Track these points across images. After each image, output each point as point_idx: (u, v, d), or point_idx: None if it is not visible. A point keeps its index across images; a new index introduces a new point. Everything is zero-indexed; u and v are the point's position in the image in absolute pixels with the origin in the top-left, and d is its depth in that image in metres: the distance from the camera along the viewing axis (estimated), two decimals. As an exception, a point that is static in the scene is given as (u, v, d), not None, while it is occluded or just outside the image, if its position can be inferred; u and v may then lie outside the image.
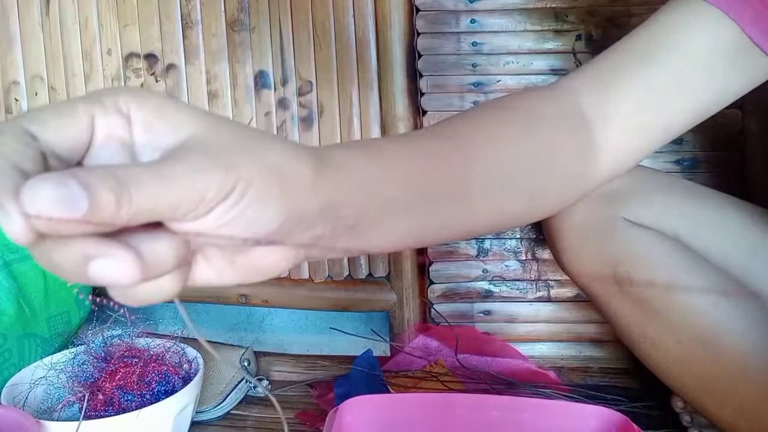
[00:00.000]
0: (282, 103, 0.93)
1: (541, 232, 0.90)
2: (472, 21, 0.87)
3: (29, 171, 0.25)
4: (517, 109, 0.51)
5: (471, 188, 0.46)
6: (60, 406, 0.65)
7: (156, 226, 0.28)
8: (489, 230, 0.65)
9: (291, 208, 0.31)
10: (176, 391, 0.65)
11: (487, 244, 0.91)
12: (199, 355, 0.72)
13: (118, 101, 0.28)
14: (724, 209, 0.69)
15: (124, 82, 0.95)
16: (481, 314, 0.93)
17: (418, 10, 0.88)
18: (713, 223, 0.67)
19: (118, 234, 0.27)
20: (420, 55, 0.89)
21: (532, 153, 0.50)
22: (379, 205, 0.38)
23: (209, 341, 0.87)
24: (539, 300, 0.92)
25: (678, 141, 0.86)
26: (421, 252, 0.93)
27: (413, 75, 0.89)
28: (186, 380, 0.69)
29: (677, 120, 0.55)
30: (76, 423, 0.59)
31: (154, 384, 0.66)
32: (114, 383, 0.64)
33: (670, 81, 0.53)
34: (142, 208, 0.25)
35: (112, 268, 0.26)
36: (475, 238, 0.91)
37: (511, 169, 0.49)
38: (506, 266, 0.92)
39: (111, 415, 0.61)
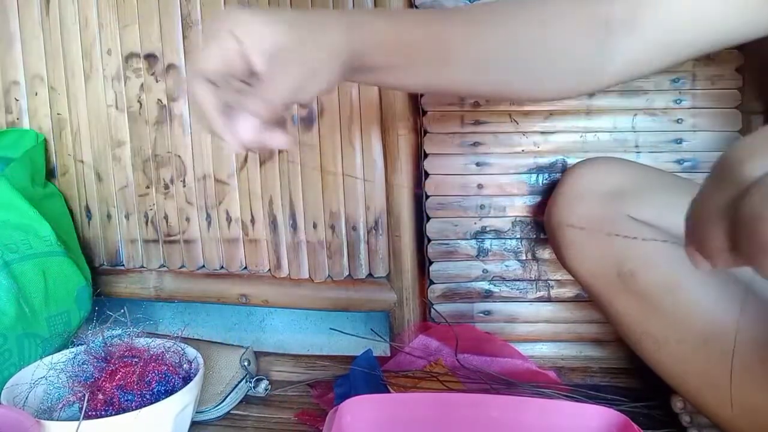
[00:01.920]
0: (282, 103, 0.92)
1: (541, 232, 0.90)
2: (472, 21, 0.87)
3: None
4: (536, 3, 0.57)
5: (480, 58, 0.55)
6: (60, 405, 0.65)
7: None
8: (495, 96, 0.69)
9: (338, 72, 0.50)
10: (176, 391, 0.65)
11: (487, 244, 0.91)
12: (199, 355, 0.72)
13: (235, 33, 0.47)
14: None
15: (124, 83, 0.95)
16: (481, 314, 0.93)
17: (418, 10, 0.88)
18: None
19: None
20: (420, 55, 0.89)
21: (544, 41, 0.55)
22: (397, 55, 0.52)
23: (209, 341, 0.87)
24: (539, 300, 0.92)
25: (678, 141, 0.86)
26: (420, 251, 0.93)
27: (413, 75, 0.89)
28: (186, 380, 0.69)
29: (697, 42, 0.57)
30: (76, 423, 0.58)
31: (154, 384, 0.66)
32: (114, 383, 0.64)
33: (695, 7, 0.55)
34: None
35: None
36: (474, 238, 0.91)
37: (520, 52, 0.55)
38: (506, 266, 0.92)
39: (111, 415, 0.61)
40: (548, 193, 0.89)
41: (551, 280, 0.91)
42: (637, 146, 0.87)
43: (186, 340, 0.74)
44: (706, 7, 0.54)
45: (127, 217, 0.98)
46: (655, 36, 0.56)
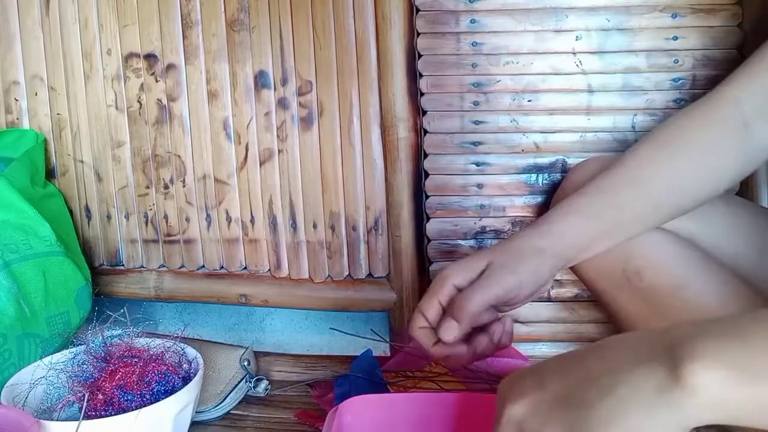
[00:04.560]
0: (282, 103, 0.93)
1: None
2: (472, 21, 0.87)
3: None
4: (684, 141, 0.64)
5: (648, 213, 0.64)
6: (60, 406, 0.65)
7: None
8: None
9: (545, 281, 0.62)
10: (176, 391, 0.65)
11: (487, 244, 0.91)
12: (199, 355, 0.72)
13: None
14: (734, 210, 0.69)
15: (124, 83, 0.95)
16: (481, 314, 0.92)
17: (418, 10, 0.88)
18: (724, 222, 0.68)
19: None
20: (420, 55, 0.89)
21: (699, 180, 0.63)
22: (584, 247, 0.64)
23: (209, 341, 0.87)
24: (539, 300, 0.92)
25: (678, 141, 0.86)
26: (420, 251, 0.93)
27: (413, 75, 0.89)
28: (186, 380, 0.69)
29: None
30: (75, 423, 0.58)
31: (154, 384, 0.66)
32: (114, 383, 0.64)
33: None
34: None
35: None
36: (474, 238, 0.91)
37: (681, 195, 0.64)
38: (506, 266, 0.91)
39: (111, 415, 0.61)
40: (548, 193, 0.89)
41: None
42: (637, 146, 0.87)
43: (186, 340, 0.74)
44: None
45: (126, 217, 0.99)
46: None
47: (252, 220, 0.96)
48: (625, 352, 0.37)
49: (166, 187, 0.97)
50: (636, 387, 0.35)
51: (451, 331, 0.58)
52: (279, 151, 0.94)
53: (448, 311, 0.59)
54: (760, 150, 0.64)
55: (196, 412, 0.73)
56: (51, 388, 0.68)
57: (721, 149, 0.63)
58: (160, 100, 0.95)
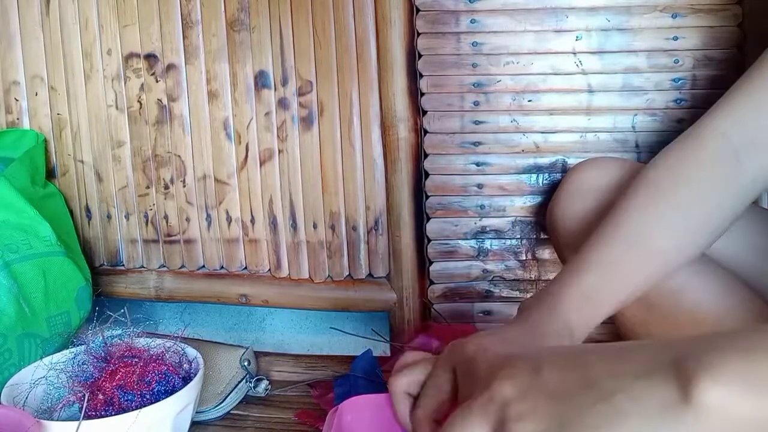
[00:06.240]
0: (282, 103, 0.93)
1: (541, 232, 0.90)
2: (472, 21, 0.87)
3: None
4: (670, 189, 0.59)
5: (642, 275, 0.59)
6: (60, 406, 0.65)
7: None
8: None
9: None
10: (176, 391, 0.65)
11: (487, 244, 0.91)
12: (199, 355, 0.72)
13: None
14: None
15: (124, 83, 0.95)
16: (481, 314, 0.93)
17: (418, 10, 0.88)
18: None
19: None
20: (420, 55, 0.89)
21: (691, 225, 0.59)
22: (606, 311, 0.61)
23: (209, 341, 0.87)
24: (539, 300, 0.92)
25: (678, 141, 0.86)
26: (420, 251, 0.93)
27: (413, 75, 0.89)
28: (186, 380, 0.69)
29: None
30: (76, 423, 0.59)
31: (154, 384, 0.66)
32: (114, 383, 0.64)
33: None
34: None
35: None
36: (474, 238, 0.91)
37: (675, 242, 0.59)
38: (506, 266, 0.92)
39: (111, 415, 0.61)
40: (548, 193, 0.89)
41: (551, 280, 0.91)
42: (637, 146, 0.87)
43: (186, 340, 0.74)
44: None
45: (127, 217, 0.99)
46: None
47: (252, 220, 0.96)
48: (630, 359, 0.35)
49: (166, 187, 0.97)
50: (637, 399, 0.33)
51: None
52: (279, 151, 0.94)
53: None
54: (751, 181, 0.59)
55: (197, 412, 0.73)
56: (51, 388, 0.68)
57: (717, 187, 0.59)
58: (161, 100, 0.95)
